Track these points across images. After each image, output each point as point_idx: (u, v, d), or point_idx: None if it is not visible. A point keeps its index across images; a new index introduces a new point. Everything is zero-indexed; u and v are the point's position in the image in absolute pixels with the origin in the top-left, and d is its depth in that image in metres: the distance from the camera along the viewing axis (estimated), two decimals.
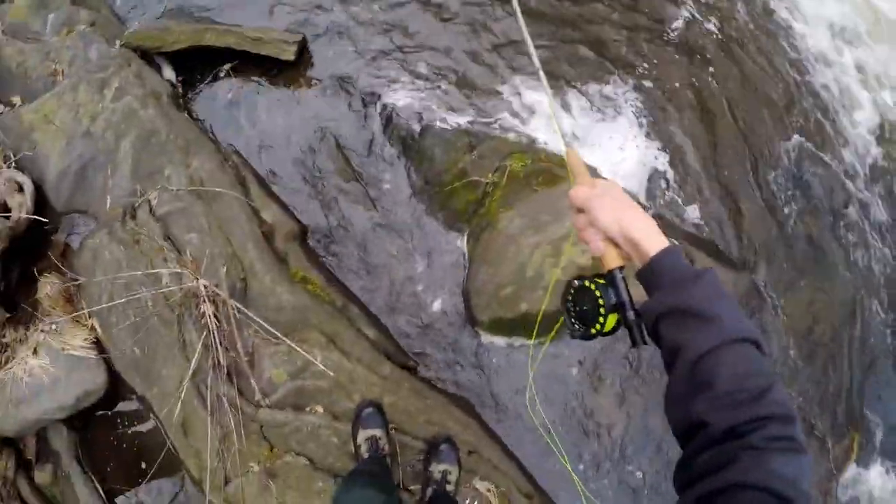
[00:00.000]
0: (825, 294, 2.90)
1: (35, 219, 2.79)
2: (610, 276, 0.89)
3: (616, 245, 0.88)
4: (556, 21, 3.15)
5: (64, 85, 2.91)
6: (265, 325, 2.29)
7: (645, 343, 0.85)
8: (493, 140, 2.72)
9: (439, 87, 2.87)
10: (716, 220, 2.90)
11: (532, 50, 1.09)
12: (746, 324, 0.76)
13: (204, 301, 2.32)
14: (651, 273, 0.83)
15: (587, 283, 0.90)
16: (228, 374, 2.34)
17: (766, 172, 3.08)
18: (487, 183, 2.58)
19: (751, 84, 3.27)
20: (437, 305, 2.61)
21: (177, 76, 2.95)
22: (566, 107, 2.96)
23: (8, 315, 2.88)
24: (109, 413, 2.60)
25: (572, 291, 0.94)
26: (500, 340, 2.57)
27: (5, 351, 2.88)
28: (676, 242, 2.63)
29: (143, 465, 2.50)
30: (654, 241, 0.83)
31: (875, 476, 2.77)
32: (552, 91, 2.95)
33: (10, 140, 2.98)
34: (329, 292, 2.50)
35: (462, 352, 2.56)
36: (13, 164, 2.93)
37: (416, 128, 2.74)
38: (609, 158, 2.88)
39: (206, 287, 2.31)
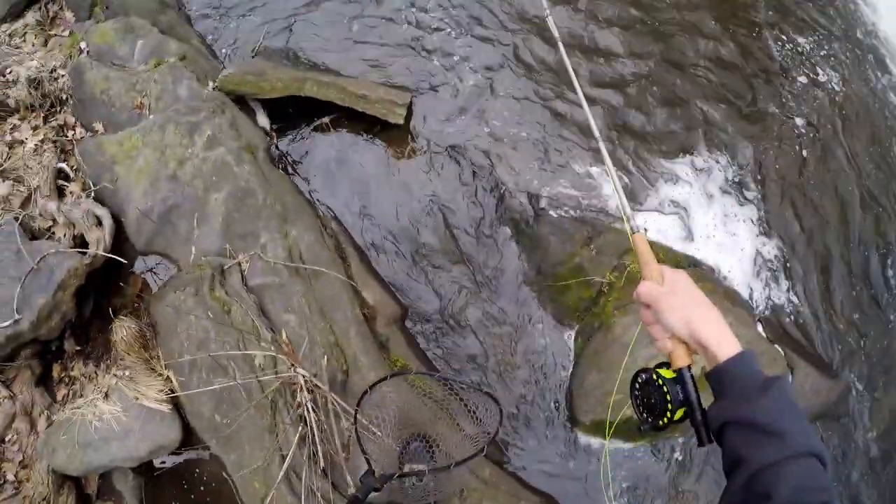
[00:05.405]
0: None
1: (113, 258, 2.68)
2: (679, 375, 0.88)
3: (684, 343, 0.87)
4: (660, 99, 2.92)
5: (151, 121, 2.74)
6: (366, 422, 2.17)
7: (711, 443, 0.85)
8: (612, 233, 2.52)
9: (560, 165, 2.64)
10: (820, 322, 2.73)
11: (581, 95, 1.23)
12: (812, 437, 0.75)
13: (302, 389, 2.20)
14: (720, 378, 0.82)
15: (654, 376, 0.91)
16: (322, 467, 2.23)
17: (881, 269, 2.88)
18: (604, 283, 2.40)
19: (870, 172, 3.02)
20: (535, 400, 2.47)
21: (271, 124, 2.75)
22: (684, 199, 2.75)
23: (77, 348, 2.81)
24: (179, 463, 2.52)
25: (638, 384, 0.95)
26: (597, 442, 2.45)
27: (73, 384, 2.81)
28: (763, 333, 2.53)
29: None
30: (724, 346, 0.82)
31: None
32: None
33: (89, 168, 2.83)
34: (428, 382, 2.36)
35: (558, 449, 2.44)
36: (92, 195, 2.80)
37: (531, 211, 2.54)
38: (723, 250, 2.71)
39: (304, 378, 2.19)
